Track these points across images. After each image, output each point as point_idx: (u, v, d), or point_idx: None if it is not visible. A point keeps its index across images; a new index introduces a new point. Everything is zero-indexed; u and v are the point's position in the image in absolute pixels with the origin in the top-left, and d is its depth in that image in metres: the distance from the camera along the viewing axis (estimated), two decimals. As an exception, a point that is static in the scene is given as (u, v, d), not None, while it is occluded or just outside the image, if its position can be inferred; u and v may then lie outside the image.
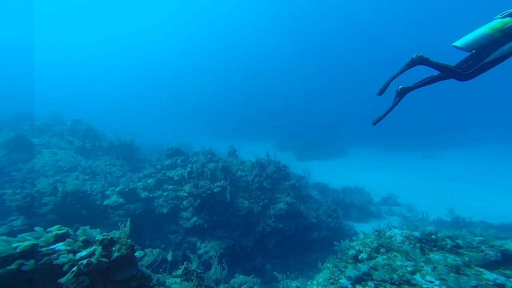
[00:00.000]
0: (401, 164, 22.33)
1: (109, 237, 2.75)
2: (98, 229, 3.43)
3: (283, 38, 59.09)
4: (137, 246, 3.31)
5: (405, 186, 17.17)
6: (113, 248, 2.71)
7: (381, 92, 3.29)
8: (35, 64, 61.60)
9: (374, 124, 3.47)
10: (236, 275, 7.16)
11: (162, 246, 6.44)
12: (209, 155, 9.25)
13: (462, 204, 13.89)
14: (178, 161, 8.97)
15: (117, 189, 6.77)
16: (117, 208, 6.32)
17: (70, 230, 3.22)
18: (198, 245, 7.08)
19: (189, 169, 7.63)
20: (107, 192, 7.00)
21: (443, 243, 4.59)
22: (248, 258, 7.92)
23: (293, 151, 25.23)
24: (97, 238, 2.81)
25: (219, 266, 5.31)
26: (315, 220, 9.40)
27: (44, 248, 2.61)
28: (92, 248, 2.69)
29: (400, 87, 3.32)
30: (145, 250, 3.78)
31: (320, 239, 9.22)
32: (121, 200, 6.59)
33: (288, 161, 20.72)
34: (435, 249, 4.58)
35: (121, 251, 2.66)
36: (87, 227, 2.98)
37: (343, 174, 19.12)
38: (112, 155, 9.55)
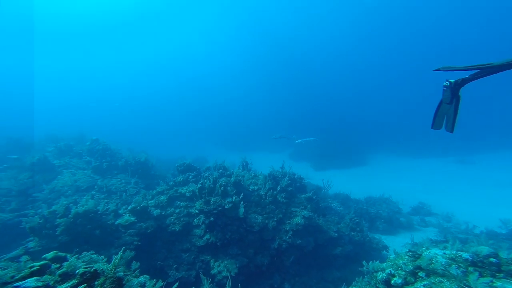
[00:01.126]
0: (431, 171, 20.74)
1: (92, 270, 2.51)
2: (97, 255, 3.31)
3: (301, 44, 59.08)
4: (129, 277, 3.12)
5: (439, 195, 15.75)
6: (96, 283, 2.46)
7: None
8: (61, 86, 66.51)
9: (452, 131, 2.94)
10: (252, 296, 6.79)
11: (175, 266, 6.26)
12: (221, 170, 9.12)
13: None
14: (190, 177, 8.92)
15: (129, 207, 6.78)
16: (129, 227, 6.28)
17: (68, 256, 3.13)
18: (212, 264, 6.81)
19: (200, 185, 7.51)
20: (120, 211, 7.03)
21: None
22: (264, 277, 7.50)
23: (309, 161, 24.50)
24: (77, 271, 2.57)
25: (232, 288, 5.00)
26: (336, 234, 8.82)
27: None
28: (70, 284, 2.45)
29: (452, 81, 2.67)
30: (145, 278, 3.57)
31: (343, 254, 8.60)
32: (132, 218, 6.56)
33: (305, 171, 20.15)
34: (501, 275, 3.59)
35: (105, 285, 2.42)
36: (73, 258, 2.75)
37: (365, 183, 18.13)
38: (127, 173, 9.73)
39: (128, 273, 4.04)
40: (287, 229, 8.05)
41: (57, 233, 4.87)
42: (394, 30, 51.71)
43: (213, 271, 6.64)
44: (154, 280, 3.52)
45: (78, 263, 2.80)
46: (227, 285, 5.18)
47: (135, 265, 4.22)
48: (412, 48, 53.17)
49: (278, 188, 8.76)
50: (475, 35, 47.58)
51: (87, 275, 2.45)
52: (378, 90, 53.85)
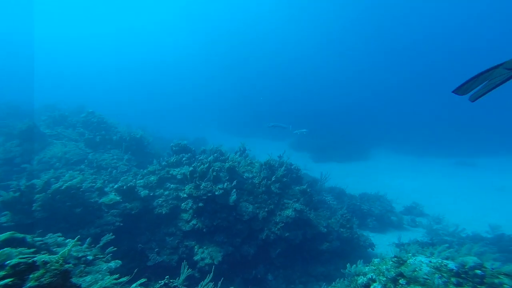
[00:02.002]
0: (431, 171, 20.30)
1: (30, 261, 2.13)
2: (63, 239, 3.06)
3: (302, 33, 57.07)
4: (99, 261, 2.87)
5: (435, 196, 15.53)
6: (31, 276, 2.03)
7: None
8: (65, 54, 65.39)
9: (473, 101, 2.56)
10: (234, 285, 6.71)
11: (156, 249, 6.12)
12: (217, 154, 8.81)
13: (509, 219, 12.08)
14: (184, 158, 8.64)
15: (115, 186, 6.56)
16: (112, 207, 6.09)
17: (28, 237, 2.87)
18: (196, 250, 6.68)
19: (192, 168, 7.23)
20: (106, 189, 6.83)
21: (496, 281, 3.46)
22: (249, 266, 7.41)
23: (310, 152, 24.12)
24: (8, 262, 2.10)
25: (212, 281, 4.83)
26: (325, 229, 8.63)
27: None
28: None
29: None
30: (116, 264, 3.34)
31: (330, 250, 8.47)
32: (118, 198, 6.36)
33: (304, 162, 19.85)
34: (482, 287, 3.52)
35: (43, 279, 2.03)
36: (13, 250, 2.29)
37: (363, 178, 17.85)
38: (121, 149, 9.47)
39: (100, 256, 3.84)
40: (277, 220, 7.85)
41: (32, 209, 4.65)
42: (404, 24, 49.32)
43: (196, 257, 6.52)
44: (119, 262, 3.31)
45: (23, 250, 2.42)
46: (209, 272, 5.04)
47: (111, 249, 3.99)
48: (422, 44, 50.94)
49: (273, 178, 8.47)
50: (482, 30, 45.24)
51: (21, 266, 2.08)
52: (385, 86, 52.27)
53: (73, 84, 50.14)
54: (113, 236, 4.46)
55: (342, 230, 9.07)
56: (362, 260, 5.01)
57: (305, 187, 8.69)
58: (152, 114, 34.60)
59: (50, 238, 3.37)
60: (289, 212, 7.95)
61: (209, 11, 59.25)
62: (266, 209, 7.92)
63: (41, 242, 2.93)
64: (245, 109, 41.67)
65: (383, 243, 10.18)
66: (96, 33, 66.50)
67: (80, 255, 3.21)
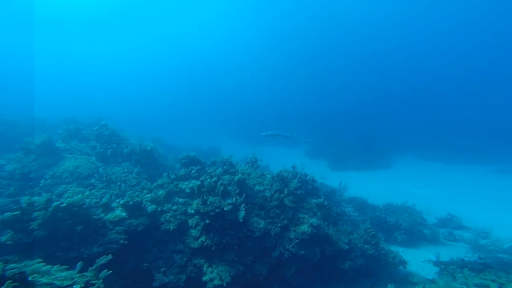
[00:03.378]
0: (466, 180, 18.46)
1: None
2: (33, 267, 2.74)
3: (319, 37, 56.43)
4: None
5: (475, 207, 13.97)
6: None
7: None
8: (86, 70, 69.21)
9: None
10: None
11: (163, 269, 5.76)
12: (226, 166, 8.44)
13: None
14: (193, 171, 8.35)
15: (121, 201, 6.34)
16: (118, 223, 5.84)
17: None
18: (205, 269, 6.24)
19: (199, 182, 6.89)
20: (113, 204, 6.63)
21: None
22: (262, 287, 6.84)
23: (326, 160, 23.14)
24: None
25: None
26: (347, 246, 7.88)
27: None
28: None
29: None
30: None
31: (353, 268, 7.71)
32: (123, 214, 6.12)
33: (321, 171, 19.01)
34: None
35: None
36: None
37: (386, 187, 16.68)
38: (131, 162, 9.39)
39: (94, 281, 3.51)
40: (292, 237, 7.26)
41: (31, 228, 4.47)
42: (429, 21, 47.18)
43: (205, 278, 6.07)
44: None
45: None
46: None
47: (105, 273, 3.66)
48: (452, 42, 48.36)
49: (286, 191, 7.93)
50: None
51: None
52: (408, 88, 49.99)
53: (92, 97, 52.81)
54: (110, 257, 4.14)
55: (366, 246, 8.27)
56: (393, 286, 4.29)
57: (322, 200, 8.04)
58: (168, 125, 35.29)
59: (28, 265, 3.08)
60: (304, 228, 7.34)
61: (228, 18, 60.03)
62: (279, 225, 7.37)
63: (15, 271, 2.59)
64: (260, 118, 41.48)
65: (417, 260, 9.14)
66: (113, 47, 69.78)
67: (65, 285, 2.87)
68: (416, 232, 10.92)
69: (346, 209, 12.78)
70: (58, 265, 3.22)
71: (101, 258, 3.99)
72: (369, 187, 16.73)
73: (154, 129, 28.06)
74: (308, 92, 54.25)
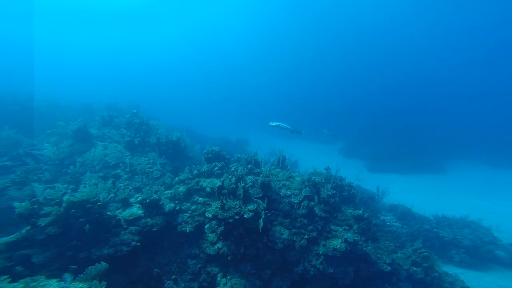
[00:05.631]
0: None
1: None
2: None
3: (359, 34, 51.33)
4: None
5: None
6: None
7: None
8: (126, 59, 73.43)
9: None
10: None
11: (173, 276, 5.37)
12: (250, 165, 7.72)
13: None
14: (216, 168, 7.82)
15: (139, 198, 6.06)
16: (132, 222, 5.57)
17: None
18: (218, 279, 5.74)
19: (220, 183, 6.30)
20: (132, 199, 6.42)
21: None
22: (282, 306, 6.14)
23: (363, 159, 20.89)
24: None
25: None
26: (389, 268, 6.73)
27: None
28: None
29: None
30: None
31: (394, 293, 6.59)
32: (139, 212, 5.84)
33: (357, 171, 17.27)
34: None
35: None
36: None
37: (437, 196, 14.42)
38: (157, 152, 9.24)
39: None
40: (320, 252, 6.35)
41: (43, 224, 4.33)
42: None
43: (219, 289, 5.57)
44: None
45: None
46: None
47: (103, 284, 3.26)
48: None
49: (317, 199, 6.97)
50: None
51: None
52: (470, 81, 42.95)
53: (131, 84, 56.11)
54: (107, 266, 3.77)
55: (415, 269, 7.03)
56: None
57: (361, 212, 6.92)
58: (201, 115, 35.82)
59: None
60: (337, 243, 6.37)
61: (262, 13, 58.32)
62: (305, 237, 6.50)
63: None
64: (291, 110, 39.71)
65: (485, 286, 7.56)
66: (151, 36, 72.66)
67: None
68: (483, 252, 9.11)
69: (386, 217, 11.33)
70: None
71: (94, 266, 3.62)
72: (414, 193, 14.68)
73: (188, 118, 28.63)
74: (343, 88, 50.20)
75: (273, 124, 7.96)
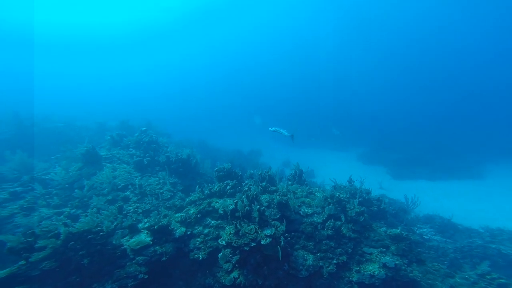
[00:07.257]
0: None
1: None
2: None
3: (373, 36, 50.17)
4: None
5: None
6: None
7: None
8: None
9: None
10: None
11: (185, 315, 4.70)
12: (265, 182, 7.07)
13: None
14: (228, 187, 7.22)
15: (147, 224, 5.54)
16: (139, 252, 5.02)
17: None
18: (237, 316, 5.00)
19: (233, 206, 5.68)
20: (140, 225, 5.91)
21: None
22: None
23: (386, 165, 19.36)
24: None
25: None
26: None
27: None
28: None
29: None
30: None
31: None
32: (148, 240, 5.29)
33: (379, 179, 15.97)
34: None
35: None
36: None
37: (478, 204, 12.88)
38: (167, 171, 8.81)
39: None
40: (354, 280, 5.47)
41: (37, 258, 3.86)
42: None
43: (238, 329, 4.81)
44: None
45: None
46: None
47: None
48: None
49: (343, 218, 6.15)
50: None
51: None
52: (502, 77, 39.93)
53: (147, 100, 57.69)
54: None
55: None
56: None
57: (398, 231, 6.02)
58: (213, 127, 35.75)
59: None
60: (374, 269, 5.48)
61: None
62: (334, 261, 5.66)
63: None
64: (306, 117, 38.81)
65: None
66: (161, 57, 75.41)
67: None
68: None
69: (423, 230, 10.12)
70: None
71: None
72: (449, 202, 13.26)
73: (201, 130, 28.57)
74: (362, 95, 48.64)
75: (271, 129, 7.36)
